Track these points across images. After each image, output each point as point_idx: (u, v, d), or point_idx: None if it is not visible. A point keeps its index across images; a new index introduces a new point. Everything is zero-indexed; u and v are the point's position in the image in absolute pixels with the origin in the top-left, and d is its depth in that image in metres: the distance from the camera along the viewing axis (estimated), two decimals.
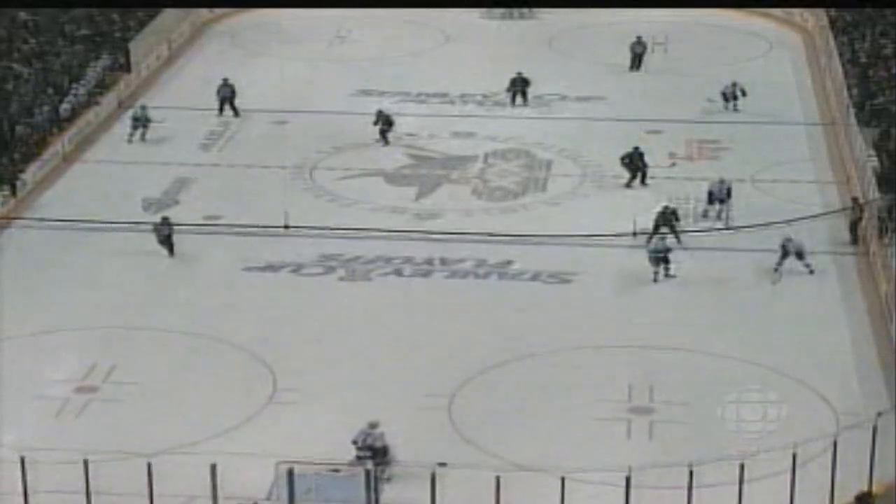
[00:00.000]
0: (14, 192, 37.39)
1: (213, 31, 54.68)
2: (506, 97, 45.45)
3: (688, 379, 28.39)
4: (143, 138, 42.41)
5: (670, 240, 33.70)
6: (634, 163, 38.61)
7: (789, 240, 32.73)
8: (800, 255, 32.51)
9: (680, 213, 35.49)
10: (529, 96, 45.27)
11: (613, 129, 43.01)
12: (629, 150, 38.75)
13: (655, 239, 33.56)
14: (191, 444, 25.60)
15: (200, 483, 22.53)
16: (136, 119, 42.68)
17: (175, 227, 34.33)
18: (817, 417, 26.56)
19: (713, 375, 28.53)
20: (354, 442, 24.41)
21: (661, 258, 32.60)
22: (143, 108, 43.09)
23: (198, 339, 30.20)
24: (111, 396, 27.89)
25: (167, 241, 34.10)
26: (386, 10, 54.99)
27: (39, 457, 23.23)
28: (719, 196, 36.19)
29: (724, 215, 36.08)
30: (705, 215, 36.21)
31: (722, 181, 36.40)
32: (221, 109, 44.57)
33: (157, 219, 34.88)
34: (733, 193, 36.39)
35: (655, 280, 32.56)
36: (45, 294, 32.29)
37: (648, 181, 38.54)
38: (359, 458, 24.10)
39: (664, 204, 35.07)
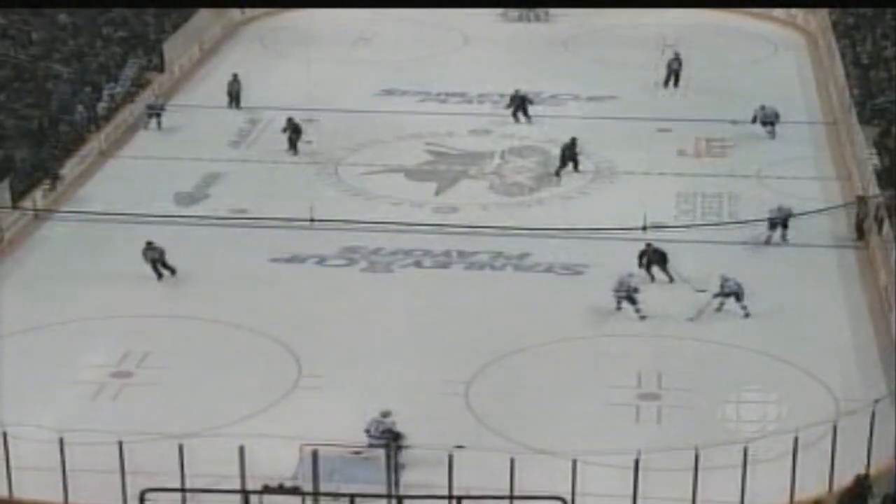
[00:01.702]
0: (54, 187, 37.54)
1: (243, 34, 54.76)
2: (508, 113, 43.89)
3: (694, 366, 28.37)
4: (159, 127, 42.93)
5: (638, 278, 30.94)
6: (569, 151, 39.26)
7: (727, 280, 30.17)
8: (737, 297, 30.02)
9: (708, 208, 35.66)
10: (530, 111, 43.82)
11: (624, 128, 43.00)
12: (567, 140, 39.43)
13: (623, 274, 30.74)
14: (220, 426, 25.68)
15: (229, 464, 22.54)
16: (150, 107, 43.31)
17: (163, 250, 32.50)
18: (818, 403, 26.51)
19: (719, 363, 28.55)
20: (367, 430, 24.37)
21: (623, 297, 30.22)
22: (158, 97, 43.69)
23: (226, 328, 30.27)
24: (145, 381, 27.99)
25: (155, 266, 32.44)
26: (406, 13, 55.10)
27: (77, 438, 23.31)
28: (780, 221, 34.07)
29: (785, 239, 34.08)
30: (768, 242, 34.05)
31: (781, 208, 34.38)
32: (231, 103, 44.90)
33: (188, 212, 34.88)
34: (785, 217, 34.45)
35: (619, 308, 30.33)
36: (82, 284, 32.37)
37: (580, 169, 39.20)
38: (371, 446, 24.08)
39: (647, 243, 32.56)
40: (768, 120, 41.32)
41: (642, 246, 32.23)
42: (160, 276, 32.37)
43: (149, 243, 32.46)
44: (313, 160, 40.23)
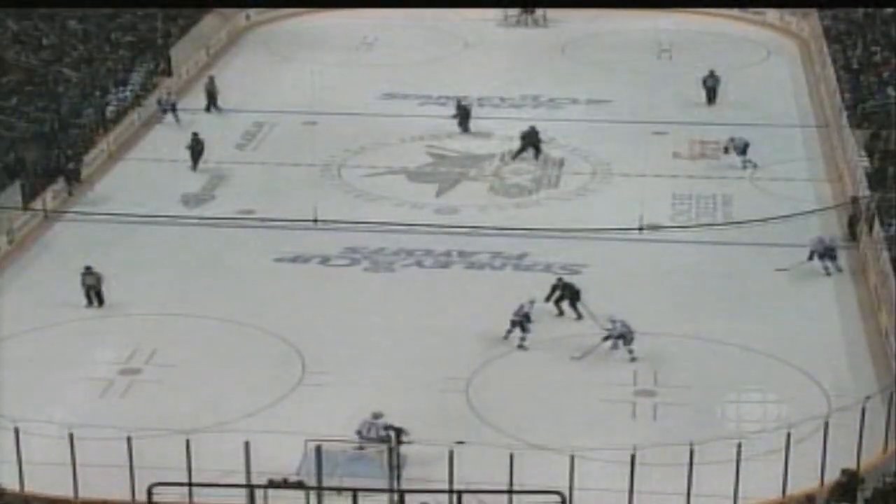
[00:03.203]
0: (72, 187, 37.62)
1: (248, 38, 54.75)
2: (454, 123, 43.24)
3: (690, 364, 28.38)
4: (177, 120, 43.36)
5: (538, 306, 29.48)
6: (529, 139, 40.10)
7: (615, 322, 28.57)
8: (625, 340, 28.36)
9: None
10: (470, 123, 43.11)
11: (621, 130, 43.01)
12: (526, 128, 40.51)
13: (524, 300, 29.22)
14: (226, 422, 25.72)
15: (235, 459, 22.58)
16: (159, 102, 43.89)
17: (102, 278, 31.01)
18: (810, 400, 26.53)
19: (713, 361, 28.56)
20: (358, 432, 24.27)
21: (517, 322, 28.95)
22: (170, 94, 44.34)
23: (232, 325, 30.27)
24: (152, 378, 28.02)
25: (89, 292, 30.85)
26: (408, 18, 55.16)
27: (86, 433, 23.35)
28: (826, 252, 32.22)
29: (831, 271, 32.19)
30: (828, 273, 32.06)
31: (821, 239, 32.53)
32: (209, 107, 44.84)
33: (195, 213, 34.85)
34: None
35: (506, 338, 29.02)
36: None
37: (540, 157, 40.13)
38: (360, 448, 24.02)
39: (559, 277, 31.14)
40: (739, 150, 39.60)
41: (554, 280, 30.71)
42: (91, 303, 30.89)
43: (87, 268, 30.97)
44: (316, 162, 40.23)
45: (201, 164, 39.81)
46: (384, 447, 23.76)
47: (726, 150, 40.06)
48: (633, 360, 28.22)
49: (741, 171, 39.13)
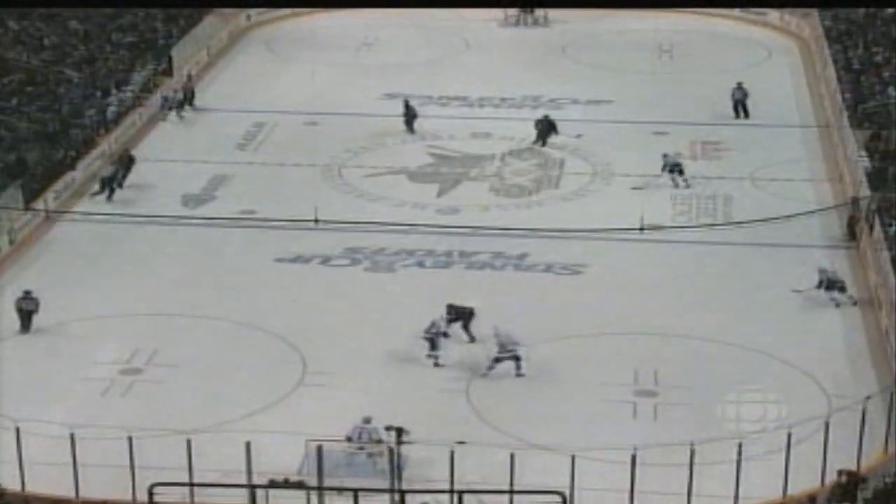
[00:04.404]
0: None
1: (249, 39, 54.73)
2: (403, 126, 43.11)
3: (690, 364, 28.35)
4: (180, 119, 43.74)
5: (444, 323, 28.69)
6: (544, 126, 41.22)
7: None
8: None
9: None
10: (415, 124, 43.01)
11: (622, 131, 42.99)
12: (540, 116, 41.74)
13: (437, 317, 28.58)
14: (227, 422, 25.70)
15: (236, 459, 22.58)
16: (165, 99, 44.18)
17: (38, 303, 29.76)
18: (810, 400, 26.50)
19: (714, 361, 28.53)
20: (349, 438, 24.16)
21: (428, 338, 28.47)
22: (176, 91, 44.52)
23: (233, 326, 30.26)
24: (153, 378, 28.00)
25: (24, 317, 29.69)
26: (409, 19, 55.13)
27: (87, 433, 23.37)
28: (829, 284, 30.90)
29: (838, 304, 30.77)
30: (837, 305, 30.66)
31: (823, 269, 31.05)
32: (183, 105, 44.81)
33: (196, 213, 34.82)
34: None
35: (429, 357, 28.37)
36: (92, 283, 32.40)
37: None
38: (361, 448, 24.01)
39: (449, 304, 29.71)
40: (668, 168, 38.29)
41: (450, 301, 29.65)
42: (26, 329, 29.68)
43: (26, 293, 29.87)
44: (317, 162, 40.21)
45: (202, 165, 39.70)
46: (384, 447, 23.74)
47: (664, 168, 38.24)
48: (519, 375, 27.58)
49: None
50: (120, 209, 36.62)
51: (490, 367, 27.84)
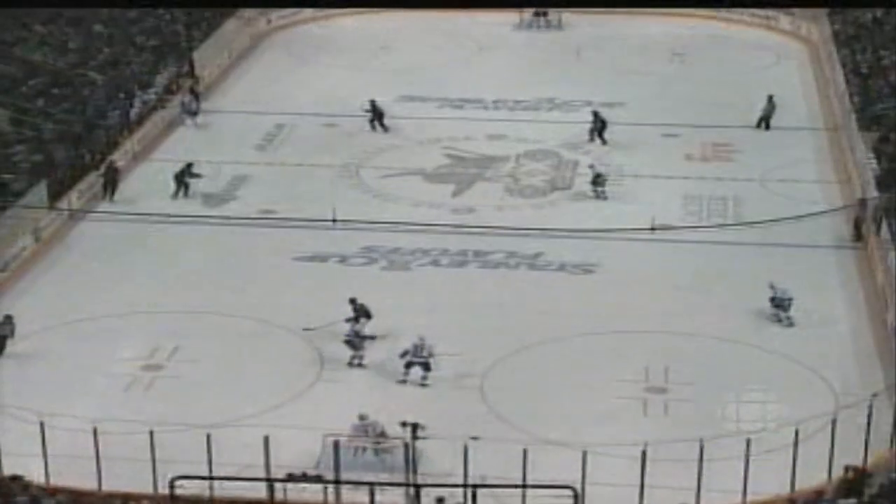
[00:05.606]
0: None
1: (269, 42, 54.84)
2: (367, 124, 43.19)
3: (700, 362, 28.35)
4: (195, 125, 43.65)
5: (359, 326, 28.62)
6: (597, 123, 41.53)
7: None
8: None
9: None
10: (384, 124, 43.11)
11: (634, 133, 42.97)
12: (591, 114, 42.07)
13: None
14: (246, 417, 25.77)
15: (254, 453, 22.60)
16: (182, 104, 44.04)
17: (15, 328, 28.63)
18: (818, 398, 26.48)
19: (724, 359, 28.53)
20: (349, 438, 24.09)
21: (349, 342, 28.33)
22: (194, 94, 44.31)
23: (252, 323, 30.34)
24: (174, 374, 28.10)
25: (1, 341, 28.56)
26: (425, 23, 55.17)
27: (110, 427, 23.45)
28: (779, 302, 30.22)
29: (784, 322, 30.01)
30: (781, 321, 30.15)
31: (772, 286, 30.31)
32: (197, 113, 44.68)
33: (217, 213, 34.88)
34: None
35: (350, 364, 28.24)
36: (115, 281, 32.50)
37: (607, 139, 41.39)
38: (378, 443, 24.04)
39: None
40: (591, 179, 37.70)
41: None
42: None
43: (7, 317, 28.84)
44: (334, 163, 40.26)
45: (211, 167, 39.66)
46: (394, 442, 23.79)
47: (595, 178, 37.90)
48: (424, 385, 27.31)
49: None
50: (142, 209, 36.72)
51: (405, 374, 27.40)
